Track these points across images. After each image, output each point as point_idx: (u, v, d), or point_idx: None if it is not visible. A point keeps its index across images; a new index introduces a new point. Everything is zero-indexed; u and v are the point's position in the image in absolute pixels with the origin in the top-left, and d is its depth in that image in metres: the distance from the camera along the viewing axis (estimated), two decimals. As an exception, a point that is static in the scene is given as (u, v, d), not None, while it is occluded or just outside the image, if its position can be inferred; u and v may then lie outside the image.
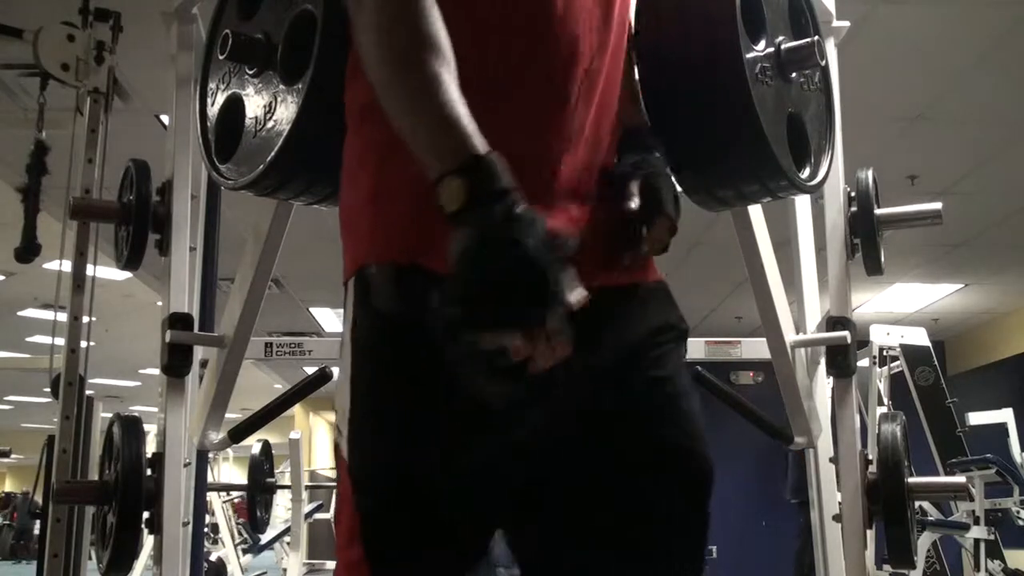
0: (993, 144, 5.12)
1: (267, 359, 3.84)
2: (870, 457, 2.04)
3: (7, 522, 15.36)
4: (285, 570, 6.96)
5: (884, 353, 5.80)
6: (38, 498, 3.08)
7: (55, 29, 2.84)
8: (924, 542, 5.63)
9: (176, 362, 2.05)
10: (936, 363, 5.82)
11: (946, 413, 5.79)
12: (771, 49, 1.32)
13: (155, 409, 2.66)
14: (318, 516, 8.70)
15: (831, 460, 2.15)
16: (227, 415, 2.17)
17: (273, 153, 1.38)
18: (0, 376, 12.51)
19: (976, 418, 6.32)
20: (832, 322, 2.10)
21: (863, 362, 5.53)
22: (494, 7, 1.10)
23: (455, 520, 1.07)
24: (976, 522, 5.56)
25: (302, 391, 2.20)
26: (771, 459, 7.99)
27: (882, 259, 2.13)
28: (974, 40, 4.06)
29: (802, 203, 2.31)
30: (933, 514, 5.89)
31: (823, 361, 2.20)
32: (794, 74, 1.37)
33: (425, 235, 1.03)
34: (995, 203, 5.98)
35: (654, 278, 1.21)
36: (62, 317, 2.68)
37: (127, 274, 3.01)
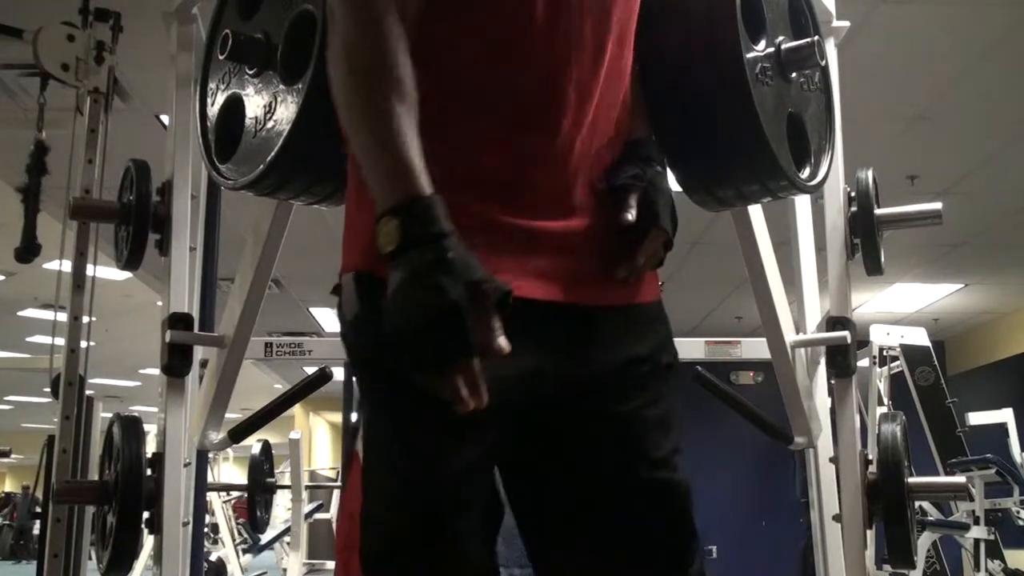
0: (993, 144, 5.12)
1: (267, 359, 3.84)
2: (870, 457, 2.03)
3: (7, 522, 15.36)
4: (285, 570, 6.96)
5: (884, 353, 5.80)
6: (39, 494, 3.08)
7: (55, 29, 2.84)
8: (924, 542, 5.63)
9: (176, 362, 2.05)
10: (936, 363, 5.82)
11: (946, 413, 5.79)
12: (771, 49, 1.32)
13: (155, 409, 2.66)
14: (318, 516, 8.70)
15: (831, 460, 2.14)
16: (227, 415, 2.17)
17: (273, 153, 1.38)
18: (0, 376, 12.51)
19: (976, 418, 6.32)
20: (832, 322, 2.10)
21: (863, 362, 5.53)
22: (480, 26, 1.10)
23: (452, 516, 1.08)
24: (976, 522, 5.55)
25: (302, 391, 2.20)
26: (771, 459, 8.00)
27: (882, 259, 2.13)
28: (974, 40, 4.05)
29: (802, 203, 2.31)
30: (933, 514, 5.88)
31: (823, 361, 2.20)
32: (794, 74, 1.37)
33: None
34: (995, 203, 5.98)
35: (651, 298, 1.21)
36: (62, 317, 2.68)
37: (127, 274, 3.01)
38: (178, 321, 2.05)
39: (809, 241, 2.31)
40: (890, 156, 5.00)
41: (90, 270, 2.67)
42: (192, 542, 2.36)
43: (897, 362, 5.88)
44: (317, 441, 16.58)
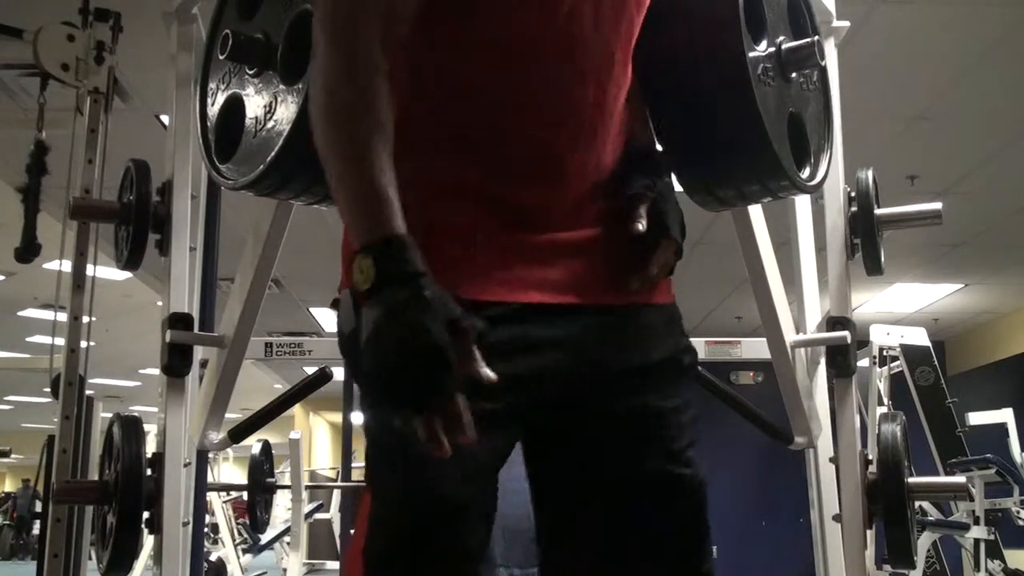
0: (993, 144, 5.12)
1: (267, 359, 3.84)
2: (870, 457, 2.04)
3: (7, 522, 15.35)
4: (285, 570, 6.96)
5: (884, 353, 5.80)
6: (40, 488, 3.08)
7: (55, 29, 2.84)
8: (924, 542, 5.63)
9: (176, 362, 2.05)
10: (936, 363, 5.82)
11: (946, 413, 5.79)
12: (772, 49, 1.32)
13: (155, 409, 2.66)
14: (318, 516, 8.70)
15: (831, 460, 2.15)
16: (227, 415, 2.17)
17: (273, 153, 1.38)
18: (0, 376, 12.51)
19: (976, 418, 6.31)
20: (832, 322, 2.10)
21: (863, 362, 5.53)
22: (494, 39, 1.11)
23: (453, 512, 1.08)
24: (976, 522, 5.55)
25: (302, 391, 2.20)
26: (771, 459, 7.98)
27: (882, 259, 2.13)
28: (974, 40, 4.05)
29: (802, 203, 2.31)
30: (933, 514, 5.88)
31: (823, 361, 2.20)
32: (794, 74, 1.37)
33: None
34: (995, 203, 5.98)
35: (665, 300, 1.22)
36: (62, 317, 2.68)
37: (127, 274, 3.01)
38: (178, 321, 2.05)
39: (809, 241, 2.31)
40: (890, 156, 5.00)
41: (90, 270, 2.67)
42: (192, 542, 2.36)
43: (897, 362, 5.87)
44: (317, 441, 16.57)
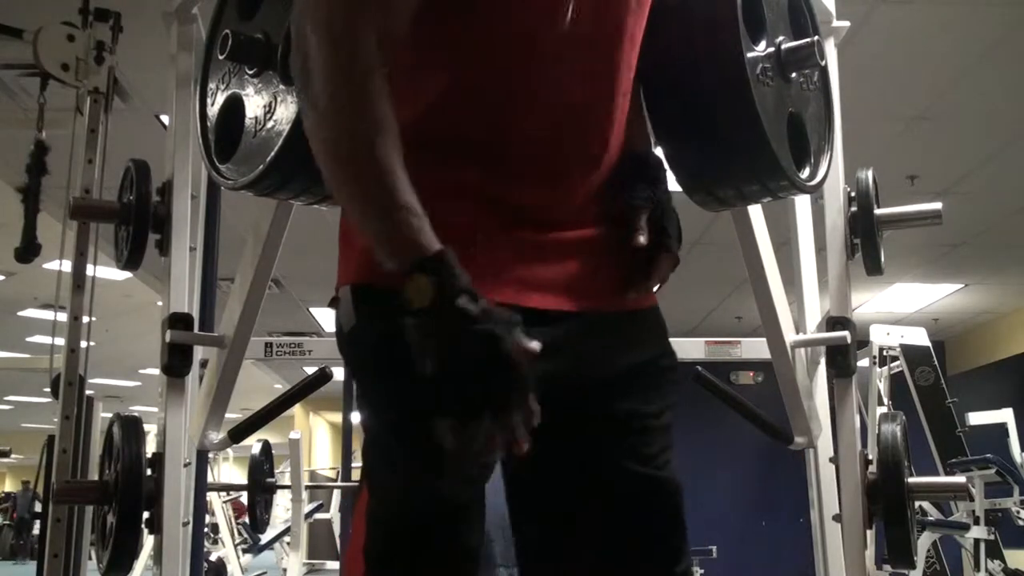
0: (993, 144, 5.12)
1: (267, 359, 3.84)
2: (870, 457, 2.03)
3: (7, 522, 15.36)
4: (285, 570, 6.96)
5: (884, 353, 5.80)
6: (39, 489, 3.08)
7: (55, 29, 2.84)
8: (924, 542, 5.63)
9: (176, 362, 2.05)
10: (936, 363, 5.82)
11: (946, 413, 5.79)
12: (771, 49, 1.32)
13: (155, 409, 2.66)
14: (318, 516, 8.70)
15: (831, 460, 2.15)
16: (227, 415, 2.17)
17: (273, 153, 1.38)
18: (0, 376, 12.51)
19: (976, 418, 6.32)
20: (832, 322, 2.10)
21: (863, 362, 5.53)
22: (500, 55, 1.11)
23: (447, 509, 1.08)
24: (976, 522, 5.55)
25: (302, 391, 2.20)
26: (771, 459, 7.99)
27: (882, 259, 2.13)
28: (974, 40, 4.05)
29: (802, 203, 2.31)
30: (933, 514, 5.88)
31: (823, 361, 2.20)
32: (794, 74, 1.37)
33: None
34: (995, 203, 5.98)
35: (649, 304, 1.23)
36: (62, 317, 2.68)
37: (127, 274, 3.01)
38: (178, 321, 2.05)
39: (809, 241, 2.31)
40: (890, 156, 5.00)
41: (90, 270, 2.67)
42: (192, 542, 2.36)
43: (897, 362, 5.88)
44: (317, 441, 16.58)
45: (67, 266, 2.72)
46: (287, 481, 6.83)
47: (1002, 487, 5.75)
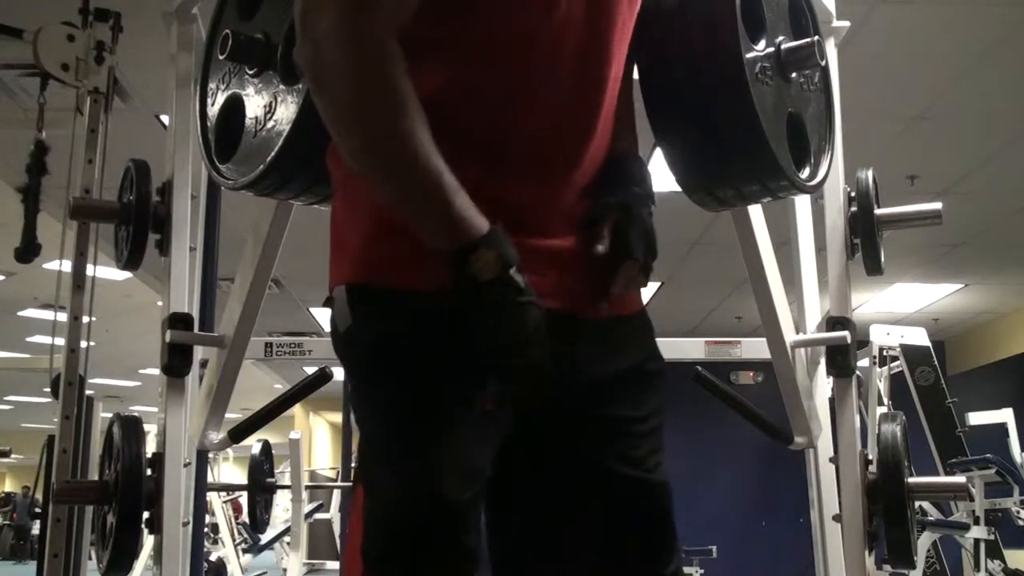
0: (993, 144, 5.12)
1: (267, 359, 3.84)
2: (870, 457, 2.03)
3: (7, 522, 15.36)
4: (285, 570, 6.96)
5: (884, 353, 5.80)
6: (39, 495, 3.08)
7: (55, 29, 2.84)
8: (924, 542, 5.62)
9: (176, 362, 2.05)
10: (936, 363, 5.82)
11: (946, 413, 5.79)
12: (771, 49, 1.32)
13: (155, 409, 2.66)
14: (318, 516, 8.70)
15: (831, 460, 2.15)
16: (227, 415, 2.17)
17: (273, 153, 1.38)
18: (0, 376, 12.51)
19: (976, 418, 6.32)
20: (832, 322, 2.10)
21: (863, 362, 5.53)
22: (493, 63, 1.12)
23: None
24: (976, 522, 5.55)
25: (302, 391, 2.20)
26: (771, 459, 7.99)
27: (882, 259, 2.13)
28: (974, 40, 4.05)
29: (802, 203, 2.31)
30: (933, 514, 5.88)
31: (823, 361, 2.20)
32: (794, 74, 1.37)
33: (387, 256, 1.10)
34: (995, 203, 5.98)
35: (634, 310, 1.23)
36: (62, 317, 2.68)
37: (127, 274, 3.01)
38: (178, 321, 2.05)
39: (809, 241, 2.31)
40: (890, 156, 5.00)
41: (90, 270, 2.67)
42: (192, 542, 2.36)
43: (897, 362, 5.87)
44: (317, 441, 16.57)
45: (67, 266, 2.72)
46: (287, 481, 6.84)
47: (1002, 487, 5.75)
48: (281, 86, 1.41)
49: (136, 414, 2.10)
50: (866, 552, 2.00)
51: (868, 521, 1.99)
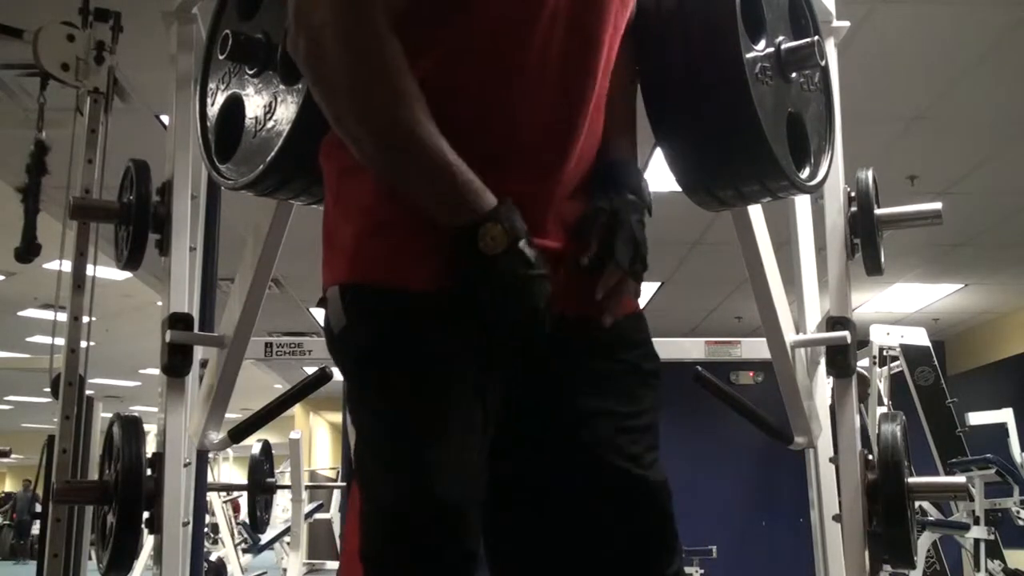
0: (993, 144, 5.12)
1: (267, 359, 3.84)
2: (870, 457, 2.03)
3: (7, 522, 15.36)
4: (285, 570, 6.96)
5: (884, 353, 5.80)
6: (39, 490, 3.08)
7: (55, 29, 2.84)
8: (924, 542, 5.62)
9: (176, 362, 2.05)
10: (936, 363, 5.82)
11: (946, 413, 5.79)
12: (771, 49, 1.32)
13: (155, 409, 2.66)
14: (318, 516, 8.69)
15: (831, 460, 2.14)
16: (227, 415, 2.17)
17: (273, 153, 1.38)
18: (0, 376, 12.51)
19: (976, 418, 6.31)
20: (832, 322, 2.10)
21: (863, 362, 5.53)
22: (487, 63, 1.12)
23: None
24: (976, 522, 5.55)
25: (302, 391, 2.20)
26: (771, 459, 7.99)
27: (882, 259, 2.12)
28: (974, 40, 4.05)
29: (802, 203, 2.31)
30: (933, 514, 5.88)
31: (823, 361, 2.19)
32: (794, 74, 1.37)
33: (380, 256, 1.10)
34: (995, 203, 5.98)
35: (627, 312, 1.23)
36: (62, 317, 2.68)
37: (127, 274, 3.01)
38: (178, 321, 2.05)
39: (809, 241, 2.31)
40: (890, 156, 5.00)
41: (90, 270, 2.67)
42: (192, 542, 2.36)
43: (897, 362, 5.87)
44: (317, 441, 16.57)
45: (67, 266, 2.72)
46: (287, 481, 6.84)
47: (1002, 487, 5.75)
48: (281, 86, 1.40)
49: (136, 414, 2.10)
50: (866, 552, 2.00)
51: (868, 521, 1.99)
